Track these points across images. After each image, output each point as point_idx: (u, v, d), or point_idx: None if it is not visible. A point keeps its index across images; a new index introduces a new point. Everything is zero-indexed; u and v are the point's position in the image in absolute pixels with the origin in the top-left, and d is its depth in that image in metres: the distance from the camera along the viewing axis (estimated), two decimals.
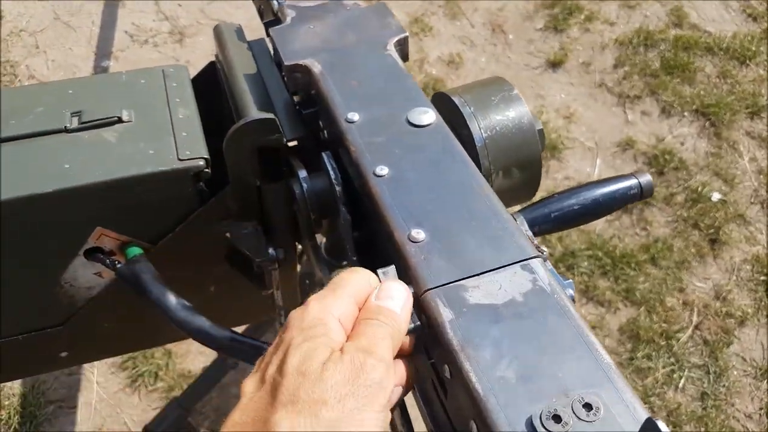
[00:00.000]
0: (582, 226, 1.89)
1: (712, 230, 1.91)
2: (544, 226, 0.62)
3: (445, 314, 0.41)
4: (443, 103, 0.67)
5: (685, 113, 2.13)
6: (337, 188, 0.57)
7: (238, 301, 0.79)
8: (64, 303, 0.69)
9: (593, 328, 1.74)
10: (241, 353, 0.60)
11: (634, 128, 2.09)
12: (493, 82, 0.69)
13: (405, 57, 0.69)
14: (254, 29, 0.85)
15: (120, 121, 0.65)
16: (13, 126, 0.64)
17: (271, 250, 0.68)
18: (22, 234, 0.62)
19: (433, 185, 0.51)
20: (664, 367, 1.72)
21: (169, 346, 1.59)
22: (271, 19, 0.78)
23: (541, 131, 0.67)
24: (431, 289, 0.43)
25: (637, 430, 0.34)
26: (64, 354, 0.75)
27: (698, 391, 1.71)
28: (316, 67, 0.64)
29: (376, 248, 0.54)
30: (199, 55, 2.16)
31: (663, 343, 1.75)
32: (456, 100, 0.66)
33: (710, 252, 1.90)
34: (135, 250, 0.65)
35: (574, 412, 0.35)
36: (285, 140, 0.64)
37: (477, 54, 2.21)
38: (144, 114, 0.66)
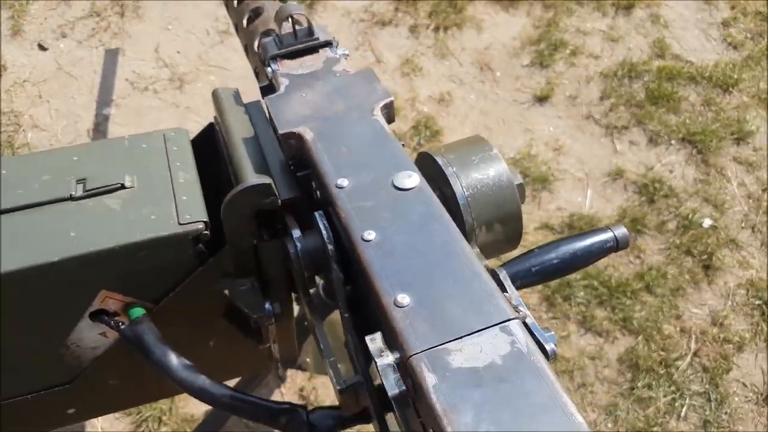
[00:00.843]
0: None
1: (705, 256, 1.91)
2: (525, 279, 0.64)
3: (430, 379, 0.41)
4: (427, 162, 0.69)
5: (672, 141, 2.14)
6: (330, 247, 0.58)
7: (237, 354, 0.79)
8: (70, 363, 0.70)
9: (592, 359, 1.73)
10: (240, 410, 0.60)
11: (623, 158, 2.10)
12: (474, 142, 0.71)
13: (391, 119, 0.71)
14: (250, 78, 0.86)
15: (123, 187, 0.67)
16: (21, 195, 0.66)
17: (267, 305, 0.68)
18: (29, 301, 0.63)
19: (417, 249, 0.52)
20: (665, 396, 1.69)
21: None
22: (266, 83, 0.79)
23: (520, 186, 0.69)
24: (416, 353, 0.43)
25: None
26: (71, 411, 0.76)
27: (701, 419, 1.69)
28: (308, 135, 0.65)
29: (367, 306, 0.54)
30: (199, 101, 2.19)
31: (663, 371, 1.73)
32: (439, 160, 0.67)
33: (704, 278, 1.89)
34: (138, 311, 0.66)
35: None
36: (279, 202, 0.65)
37: (466, 92, 2.24)
38: (146, 179, 0.68)
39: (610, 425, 1.65)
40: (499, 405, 0.39)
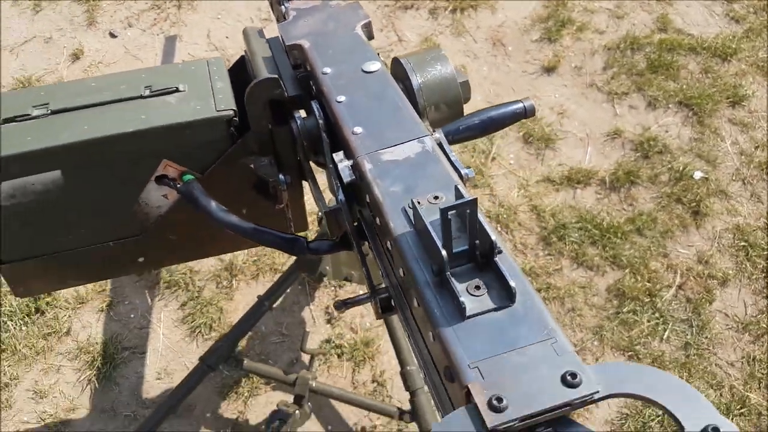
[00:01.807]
0: (573, 203, 2.14)
1: (694, 204, 2.13)
2: (456, 135, 0.91)
3: (367, 166, 0.71)
4: (396, 64, 0.98)
5: (670, 105, 2.37)
6: (320, 121, 0.87)
7: (263, 219, 1.02)
8: (140, 218, 0.97)
9: (582, 288, 1.97)
10: (259, 238, 0.85)
11: (622, 120, 2.34)
12: (430, 49, 0.99)
13: (370, 36, 1.00)
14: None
15: (177, 90, 0.94)
16: (106, 95, 0.94)
17: (281, 176, 0.95)
18: (117, 163, 0.90)
19: (372, 105, 0.81)
20: (648, 321, 1.92)
21: (221, 304, 1.91)
22: (282, 20, 1.11)
23: (464, 83, 0.96)
24: (361, 156, 0.73)
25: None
26: (141, 259, 1.03)
27: (682, 341, 1.91)
28: (306, 44, 0.95)
29: (338, 140, 0.85)
30: None
31: (647, 300, 1.96)
32: (402, 61, 0.96)
33: (693, 223, 2.11)
34: (189, 177, 0.92)
35: (428, 201, 0.63)
36: (286, 95, 0.91)
37: (479, 65, 2.52)
38: (194, 86, 0.95)
39: (596, 344, 1.89)
40: (409, 173, 0.68)
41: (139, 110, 0.92)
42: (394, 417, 1.58)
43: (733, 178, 2.20)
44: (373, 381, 1.84)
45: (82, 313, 1.94)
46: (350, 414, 1.76)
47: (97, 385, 1.81)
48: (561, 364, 0.47)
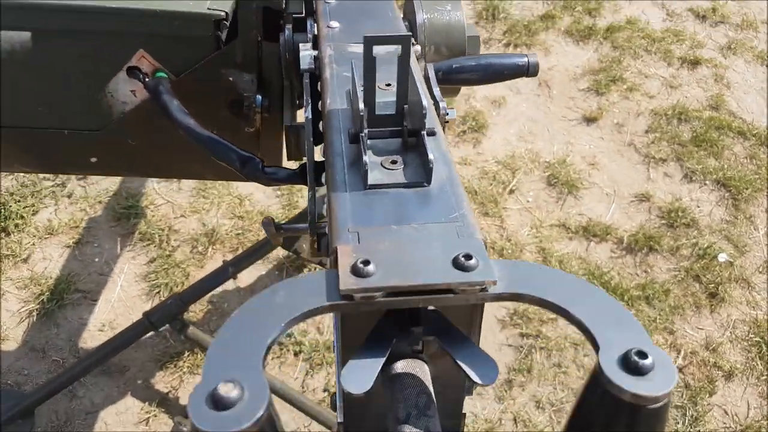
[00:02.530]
0: (584, 255, 2.02)
1: (713, 285, 1.98)
2: (446, 74, 0.82)
3: (328, 52, 0.65)
4: (408, 1, 0.91)
5: (707, 182, 2.25)
6: (309, 35, 0.79)
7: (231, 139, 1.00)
8: (103, 111, 0.90)
9: (575, 345, 1.83)
10: (212, 148, 0.76)
11: (654, 185, 2.23)
12: None
13: None
14: None
15: None
16: None
17: (258, 96, 0.88)
18: (94, 38, 0.84)
19: (361, 10, 0.74)
20: None
21: (190, 270, 1.81)
22: None
23: (474, 38, 0.89)
24: (327, 43, 0.66)
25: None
26: (94, 159, 0.95)
27: (670, 429, 1.74)
28: None
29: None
30: None
31: None
32: None
33: (707, 305, 1.96)
34: (162, 74, 0.86)
35: (378, 87, 0.56)
36: (284, 5, 0.84)
37: (520, 100, 2.45)
38: None
39: None
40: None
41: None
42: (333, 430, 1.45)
43: (760, 269, 2.06)
44: (324, 390, 1.70)
45: (48, 244, 1.86)
46: (289, 420, 1.62)
47: (35, 320, 1.71)
48: (459, 246, 0.38)
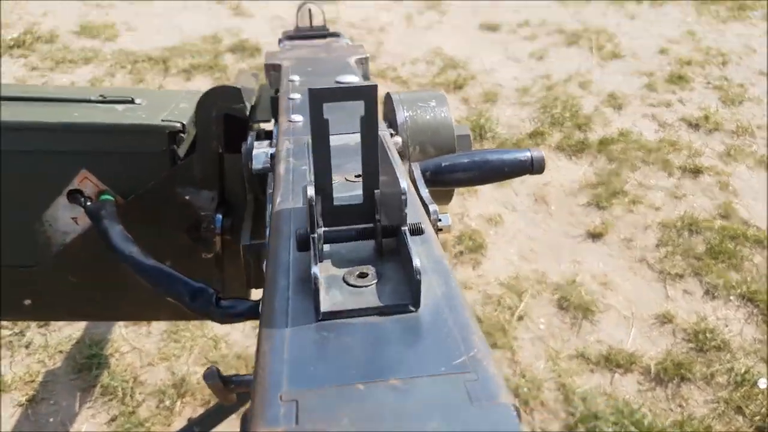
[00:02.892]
0: (610, 390, 1.79)
1: (758, 418, 1.75)
2: (436, 173, 0.68)
3: (286, 145, 0.55)
4: (387, 100, 0.79)
5: (731, 298, 2.08)
6: (275, 140, 0.67)
7: (188, 273, 0.86)
8: (40, 243, 0.77)
9: None
10: (159, 281, 0.61)
11: (674, 304, 2.05)
12: (428, 89, 0.82)
13: (365, 74, 0.83)
14: None
15: (132, 102, 0.81)
16: (54, 95, 0.82)
17: (218, 215, 0.76)
18: (25, 160, 0.74)
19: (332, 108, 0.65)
20: None
21: (154, 429, 1.56)
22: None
23: (465, 137, 0.76)
24: (286, 137, 0.57)
25: None
26: (27, 302, 0.81)
27: None
28: (286, 63, 0.80)
29: None
30: None
31: None
32: (392, 95, 0.77)
33: None
34: (108, 197, 0.75)
35: (346, 179, 0.48)
36: (247, 113, 0.74)
37: (517, 218, 2.32)
38: (154, 102, 0.83)
39: None
40: (339, 163, 0.48)
41: (76, 109, 0.77)
42: None
43: None
44: None
45: None
46: None
47: None
48: (475, 422, 0.23)
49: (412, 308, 0.33)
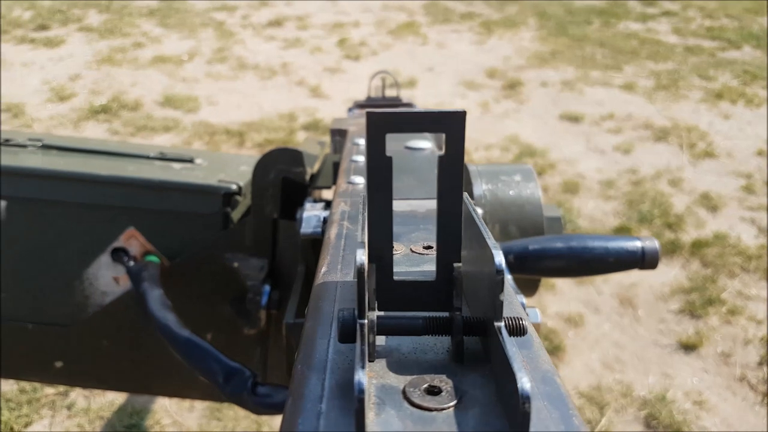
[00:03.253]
0: None
1: None
2: (521, 258, 0.58)
3: (342, 208, 0.48)
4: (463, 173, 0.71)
5: None
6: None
7: (227, 350, 0.80)
8: (78, 301, 0.73)
9: None
10: (192, 355, 0.56)
11: None
12: (513, 163, 0.74)
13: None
14: None
15: (191, 161, 0.78)
16: (112, 148, 0.79)
17: (267, 287, 0.70)
18: (71, 213, 0.70)
19: (400, 168, 0.56)
20: None
21: None
22: None
23: (556, 219, 0.68)
24: (343, 199, 0.50)
25: None
26: (59, 364, 0.76)
27: None
28: (352, 129, 0.74)
29: None
30: None
31: None
32: (469, 165, 0.70)
33: None
34: (153, 258, 0.71)
35: (412, 250, 0.38)
36: (307, 178, 0.69)
37: (601, 320, 2.15)
38: (214, 163, 0.80)
39: None
40: (409, 230, 0.43)
41: (131, 164, 0.74)
42: None
43: None
44: None
45: None
46: None
47: None
48: None
49: None
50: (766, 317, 2.19)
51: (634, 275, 2.36)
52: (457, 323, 0.28)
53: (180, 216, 0.70)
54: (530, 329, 0.31)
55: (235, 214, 0.72)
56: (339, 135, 0.77)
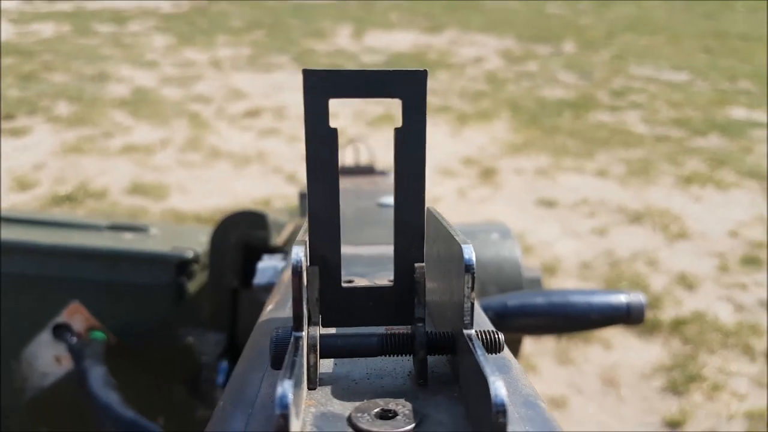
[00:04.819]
0: None
1: None
2: (500, 314, 0.58)
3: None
4: None
5: None
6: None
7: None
8: (15, 385, 0.70)
9: None
10: None
11: None
12: (489, 222, 0.80)
13: None
14: None
15: (145, 230, 0.76)
16: (61, 219, 0.80)
17: (223, 362, 0.67)
18: (9, 286, 0.68)
19: (366, 222, 0.60)
20: None
21: None
22: None
23: (535, 280, 0.72)
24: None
25: None
26: None
27: None
28: None
29: None
30: None
31: None
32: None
33: None
34: (99, 335, 0.68)
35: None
36: (270, 242, 0.68)
37: (585, 401, 2.23)
38: (171, 234, 0.77)
39: None
40: (369, 271, 0.43)
41: (77, 234, 0.74)
42: None
43: None
44: None
45: None
46: None
47: None
48: None
49: None
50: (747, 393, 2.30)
51: (616, 356, 2.46)
52: (420, 338, 0.25)
53: (129, 288, 0.66)
54: (507, 350, 0.28)
55: (193, 285, 0.68)
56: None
